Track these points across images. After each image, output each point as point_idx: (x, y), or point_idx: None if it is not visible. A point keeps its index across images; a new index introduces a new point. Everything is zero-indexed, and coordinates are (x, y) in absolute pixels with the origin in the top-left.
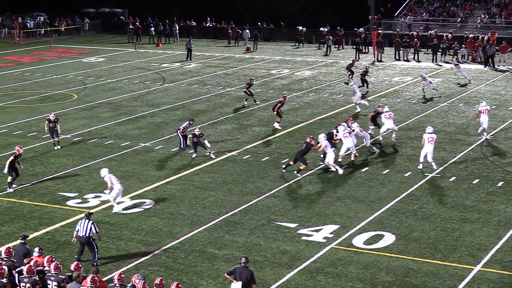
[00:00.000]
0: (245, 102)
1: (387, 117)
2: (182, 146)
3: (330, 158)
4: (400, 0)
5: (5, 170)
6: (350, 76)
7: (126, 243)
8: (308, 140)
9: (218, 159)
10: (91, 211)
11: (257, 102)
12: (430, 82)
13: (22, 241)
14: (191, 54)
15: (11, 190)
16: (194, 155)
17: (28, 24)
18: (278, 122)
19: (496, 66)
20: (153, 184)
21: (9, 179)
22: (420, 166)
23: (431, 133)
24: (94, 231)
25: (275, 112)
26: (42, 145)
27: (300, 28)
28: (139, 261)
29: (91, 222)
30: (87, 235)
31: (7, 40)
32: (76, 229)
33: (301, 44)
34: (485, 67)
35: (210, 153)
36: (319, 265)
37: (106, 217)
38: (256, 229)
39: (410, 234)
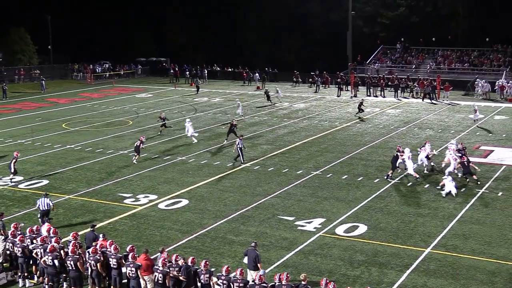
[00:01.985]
0: (161, 131)
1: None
2: (242, 160)
3: (409, 168)
4: (371, 52)
5: (12, 170)
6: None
7: (167, 231)
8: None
9: (236, 169)
10: (47, 192)
11: (171, 128)
12: (242, 109)
13: (92, 229)
14: (198, 89)
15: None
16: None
17: (97, 70)
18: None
19: (440, 100)
20: (188, 188)
21: (11, 175)
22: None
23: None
24: (51, 205)
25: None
26: (107, 159)
27: (296, 72)
28: (177, 244)
29: (48, 199)
30: (47, 208)
31: (81, 81)
32: (37, 205)
33: (297, 84)
34: (422, 100)
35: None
36: (311, 248)
37: (152, 212)
38: (264, 221)
39: (378, 225)
